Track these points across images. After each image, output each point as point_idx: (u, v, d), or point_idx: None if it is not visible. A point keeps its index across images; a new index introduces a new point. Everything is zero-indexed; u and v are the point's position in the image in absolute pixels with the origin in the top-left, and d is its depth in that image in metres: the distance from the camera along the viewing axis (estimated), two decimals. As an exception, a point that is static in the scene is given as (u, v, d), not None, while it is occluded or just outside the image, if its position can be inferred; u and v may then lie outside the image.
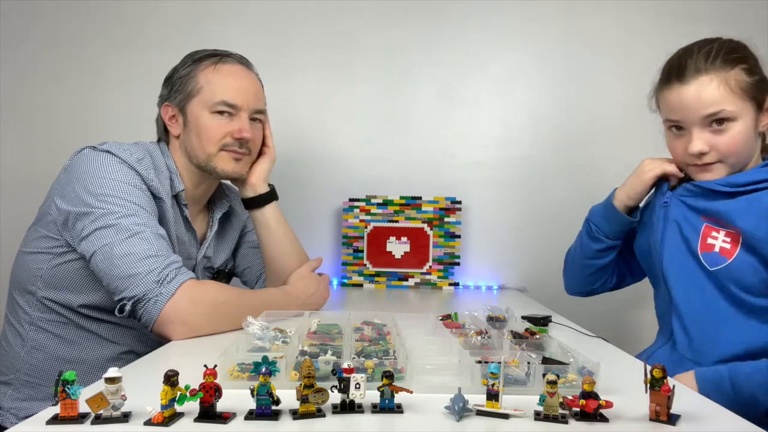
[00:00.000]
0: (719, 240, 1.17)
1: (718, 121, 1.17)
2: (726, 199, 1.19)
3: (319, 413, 0.73)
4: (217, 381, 0.71)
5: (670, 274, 1.26)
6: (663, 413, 0.73)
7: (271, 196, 1.45)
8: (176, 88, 1.34)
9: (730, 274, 1.16)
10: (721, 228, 1.18)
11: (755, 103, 1.18)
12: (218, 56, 1.35)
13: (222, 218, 1.50)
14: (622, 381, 0.89)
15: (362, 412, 0.75)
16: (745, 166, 1.22)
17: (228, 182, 1.51)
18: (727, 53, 1.18)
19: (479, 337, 1.06)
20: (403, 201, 2.00)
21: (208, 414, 0.71)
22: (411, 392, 0.76)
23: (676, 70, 1.21)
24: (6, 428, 1.23)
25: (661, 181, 1.34)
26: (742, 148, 1.19)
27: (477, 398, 0.75)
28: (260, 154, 1.45)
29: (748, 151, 1.21)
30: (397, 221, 2.00)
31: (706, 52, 1.19)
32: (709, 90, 1.16)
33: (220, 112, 1.32)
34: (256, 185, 1.43)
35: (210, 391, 0.71)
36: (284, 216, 1.48)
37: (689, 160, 1.23)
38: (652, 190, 1.41)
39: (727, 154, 1.19)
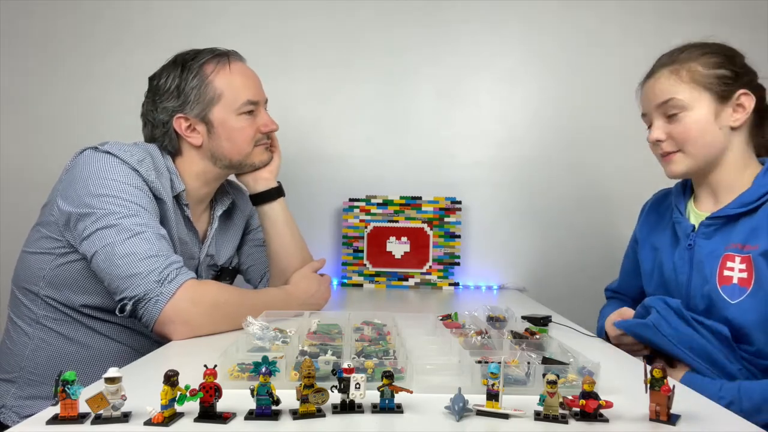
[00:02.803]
0: (735, 270, 1.15)
1: (672, 110, 1.21)
2: (746, 218, 1.18)
3: (319, 413, 0.73)
4: (217, 381, 0.71)
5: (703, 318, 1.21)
6: (663, 413, 0.73)
7: (279, 191, 1.47)
8: (191, 98, 1.31)
9: (752, 304, 1.12)
10: (738, 254, 1.16)
11: (715, 94, 1.19)
12: (223, 55, 1.35)
13: (224, 215, 1.50)
14: (622, 381, 0.89)
15: (362, 412, 0.75)
16: (714, 160, 1.22)
17: (231, 178, 1.51)
18: (692, 49, 1.23)
19: (479, 337, 1.06)
20: (403, 201, 2.00)
21: (208, 414, 0.71)
22: (411, 392, 0.76)
23: (652, 67, 1.28)
24: (8, 426, 1.23)
25: (674, 213, 1.31)
26: (698, 137, 1.20)
27: (477, 398, 0.75)
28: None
29: (709, 142, 1.20)
30: (397, 221, 2.00)
31: (676, 49, 1.25)
32: (662, 80, 1.23)
33: (245, 112, 1.34)
34: (268, 180, 1.45)
35: (210, 391, 0.71)
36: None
37: (654, 151, 1.28)
38: (646, 210, 1.43)
39: (682, 142, 1.21)
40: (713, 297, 1.17)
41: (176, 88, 1.32)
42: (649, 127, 1.27)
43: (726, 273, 1.16)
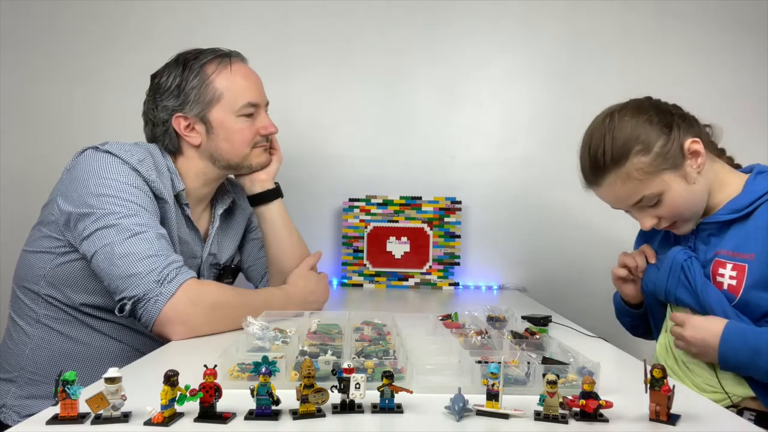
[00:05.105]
0: (726, 277, 1.15)
1: (650, 202, 1.18)
2: (738, 224, 1.17)
3: (319, 413, 0.73)
4: (217, 381, 0.72)
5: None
6: (663, 413, 0.73)
7: (277, 192, 1.47)
8: (191, 98, 1.31)
9: (741, 311, 1.13)
10: (729, 261, 1.16)
11: (671, 166, 1.16)
12: (225, 56, 1.35)
13: (225, 213, 1.50)
14: (622, 381, 0.89)
15: (362, 412, 0.75)
16: (714, 203, 1.21)
17: (232, 177, 1.51)
18: (613, 149, 1.16)
19: (479, 337, 1.06)
20: (403, 201, 2.00)
21: (208, 414, 0.71)
22: (411, 392, 0.76)
23: (588, 176, 1.23)
24: (8, 425, 1.23)
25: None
26: (686, 205, 1.19)
27: (477, 398, 0.75)
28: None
29: (696, 199, 1.19)
30: (397, 221, 2.00)
31: (599, 155, 1.18)
32: (618, 187, 1.18)
33: (245, 114, 1.34)
34: (265, 181, 1.45)
35: (210, 391, 0.71)
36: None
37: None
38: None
39: (676, 215, 1.20)
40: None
41: (177, 87, 1.32)
42: (627, 211, 1.25)
43: (718, 279, 1.17)
